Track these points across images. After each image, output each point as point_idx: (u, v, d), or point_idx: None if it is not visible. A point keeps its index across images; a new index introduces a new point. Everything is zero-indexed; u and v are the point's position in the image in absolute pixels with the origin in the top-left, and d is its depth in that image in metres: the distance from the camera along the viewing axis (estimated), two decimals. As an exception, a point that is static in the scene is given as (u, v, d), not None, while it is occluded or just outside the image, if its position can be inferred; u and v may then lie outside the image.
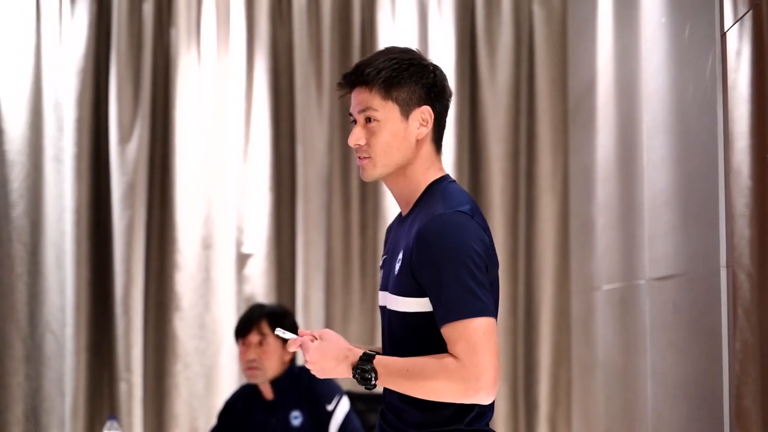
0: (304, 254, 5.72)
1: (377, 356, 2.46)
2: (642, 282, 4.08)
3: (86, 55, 5.76)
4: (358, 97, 2.55)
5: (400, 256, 2.51)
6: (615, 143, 4.65)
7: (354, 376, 2.46)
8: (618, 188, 4.58)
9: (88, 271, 5.71)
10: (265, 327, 4.42)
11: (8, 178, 5.73)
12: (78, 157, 5.72)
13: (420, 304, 2.47)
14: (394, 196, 2.64)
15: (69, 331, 5.66)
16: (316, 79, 5.85)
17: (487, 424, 2.57)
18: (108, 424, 4.26)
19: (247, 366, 4.42)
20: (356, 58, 5.85)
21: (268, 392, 4.46)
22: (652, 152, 3.94)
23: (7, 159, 5.74)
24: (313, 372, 2.50)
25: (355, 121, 2.58)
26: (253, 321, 4.45)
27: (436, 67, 2.60)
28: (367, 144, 2.54)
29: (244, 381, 4.72)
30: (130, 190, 5.72)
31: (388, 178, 2.59)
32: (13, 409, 5.66)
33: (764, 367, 2.79)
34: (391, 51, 2.61)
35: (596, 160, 5.02)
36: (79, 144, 5.72)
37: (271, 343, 4.40)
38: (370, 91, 2.53)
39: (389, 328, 2.57)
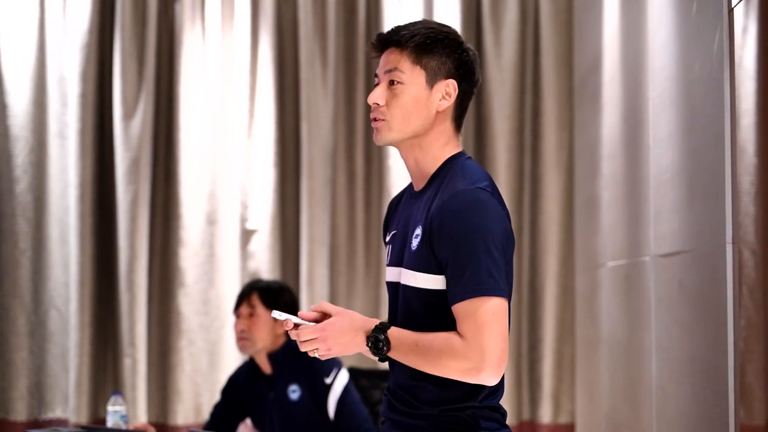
0: (309, 230, 5.71)
1: (392, 327, 2.46)
2: (647, 259, 4.08)
3: (90, 30, 5.74)
4: (388, 57, 2.56)
5: (419, 231, 2.51)
6: (621, 120, 4.64)
7: (367, 344, 2.46)
8: (623, 165, 4.56)
9: (92, 247, 5.71)
10: (254, 299, 4.49)
11: (12, 153, 5.73)
12: (82, 133, 5.71)
13: (438, 282, 2.46)
14: (408, 168, 2.62)
15: (73, 306, 5.66)
16: (321, 55, 5.83)
17: (499, 402, 2.56)
18: (112, 399, 4.26)
19: (238, 337, 4.49)
20: (361, 33, 5.84)
21: (266, 367, 4.49)
22: (658, 129, 3.92)
23: (11, 134, 5.73)
24: (325, 353, 2.47)
25: (378, 84, 2.58)
26: (245, 294, 4.53)
27: (470, 49, 2.60)
28: (386, 105, 2.53)
29: (246, 356, 4.74)
30: (134, 165, 5.71)
31: (403, 147, 2.58)
32: (17, 384, 5.68)
33: (769, 345, 2.79)
34: (430, 22, 2.61)
35: (602, 137, 5.00)
36: (83, 119, 5.71)
37: (261, 315, 4.45)
38: (401, 52, 2.53)
39: (406, 304, 2.55)
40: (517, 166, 5.83)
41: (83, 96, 5.72)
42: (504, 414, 2.56)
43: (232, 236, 5.77)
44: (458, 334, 2.39)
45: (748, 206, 2.94)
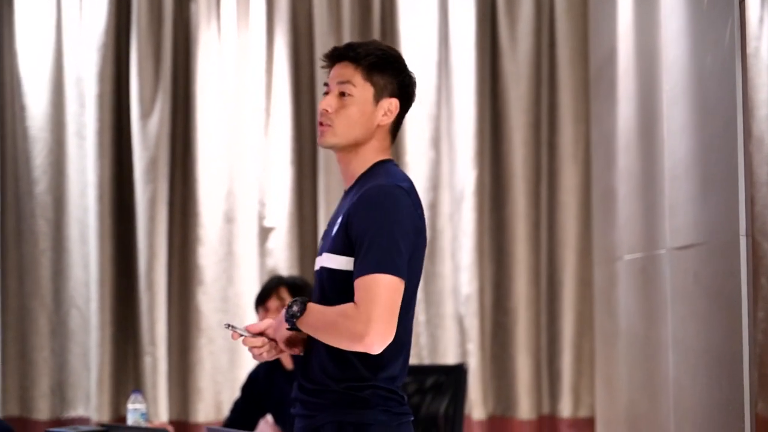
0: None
1: (309, 302, 2.72)
2: (663, 252, 4.07)
3: (107, 31, 5.77)
4: (341, 71, 2.78)
5: (340, 219, 2.73)
6: (635, 112, 4.63)
7: (285, 317, 2.72)
8: (639, 157, 4.56)
9: (112, 246, 5.74)
10: (284, 293, 4.50)
11: (31, 154, 5.77)
12: (100, 133, 5.74)
13: (349, 263, 2.68)
14: (341, 168, 2.85)
15: (93, 306, 5.69)
16: (337, 52, 5.82)
17: (397, 387, 2.76)
18: (132, 397, 4.29)
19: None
20: (376, 30, 5.84)
21: (288, 362, 4.50)
22: (672, 121, 3.92)
23: (30, 135, 5.77)
24: (279, 344, 2.79)
25: (327, 92, 2.80)
26: (273, 288, 4.52)
27: (412, 73, 2.85)
28: (335, 113, 2.75)
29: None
30: (152, 164, 5.73)
31: (341, 151, 2.81)
32: (39, 383, 5.72)
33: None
34: (381, 44, 2.84)
35: (617, 130, 5.00)
36: (100, 119, 5.74)
37: None
38: (356, 68, 2.76)
39: (320, 284, 2.77)
40: (534, 159, 5.82)
41: (101, 96, 5.74)
42: (403, 397, 2.76)
43: (250, 234, 5.79)
44: (353, 303, 2.62)
45: (766, 197, 2.94)
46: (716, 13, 3.33)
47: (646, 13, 4.40)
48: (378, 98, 2.76)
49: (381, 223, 2.63)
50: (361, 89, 2.75)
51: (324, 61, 2.83)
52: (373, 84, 2.76)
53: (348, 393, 2.70)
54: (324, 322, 2.66)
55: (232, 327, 2.79)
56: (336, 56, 2.80)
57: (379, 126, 2.78)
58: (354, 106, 2.75)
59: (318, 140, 2.82)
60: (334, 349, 2.68)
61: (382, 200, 2.66)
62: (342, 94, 2.76)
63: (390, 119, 2.79)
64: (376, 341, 2.59)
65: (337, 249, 2.70)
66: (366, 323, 2.58)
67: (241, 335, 2.81)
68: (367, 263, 2.61)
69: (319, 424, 2.73)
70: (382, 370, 2.71)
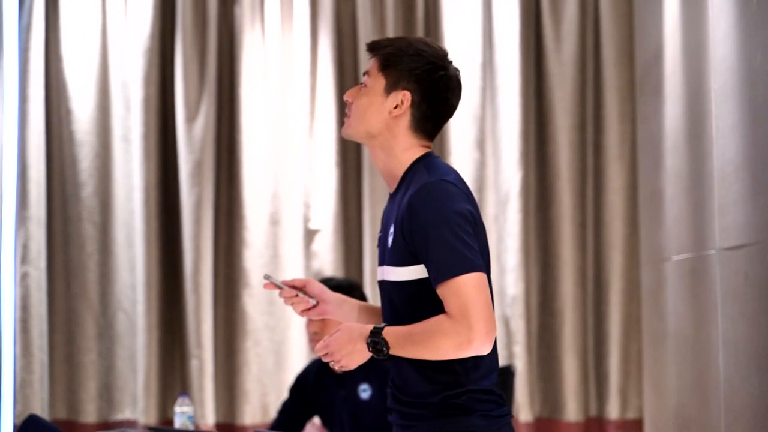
0: (371, 228, 5.72)
1: (386, 327, 2.59)
2: (712, 252, 4.04)
3: (152, 35, 5.79)
4: (370, 62, 2.77)
5: (392, 229, 2.66)
6: (683, 112, 4.59)
7: (369, 350, 2.58)
8: (687, 157, 4.52)
9: (158, 249, 5.76)
10: None
11: (77, 158, 5.80)
12: (146, 137, 5.76)
13: (415, 272, 2.61)
14: (379, 170, 2.79)
15: (140, 308, 5.72)
16: (381, 54, 5.82)
17: (492, 385, 2.67)
18: (179, 400, 4.30)
19: (311, 338, 4.47)
20: (420, 31, 5.83)
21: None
22: (721, 120, 3.88)
23: (76, 139, 5.81)
24: (342, 365, 2.61)
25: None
26: None
27: (448, 73, 2.72)
28: (353, 103, 2.75)
29: (314, 356, 4.75)
30: (197, 168, 5.75)
31: (369, 148, 2.77)
32: (87, 386, 5.75)
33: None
34: (419, 41, 2.75)
35: (664, 130, 4.96)
36: (146, 123, 5.77)
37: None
38: (375, 59, 2.74)
39: (389, 299, 2.70)
40: (579, 160, 5.79)
41: (146, 100, 5.77)
42: (500, 396, 2.68)
43: (296, 236, 5.79)
44: (446, 314, 2.52)
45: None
46: (765, 11, 3.29)
47: (693, 13, 4.36)
48: (389, 90, 2.70)
49: (438, 222, 2.54)
50: (374, 80, 2.72)
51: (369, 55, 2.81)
52: (386, 75, 2.70)
53: (446, 402, 2.62)
54: (420, 345, 2.54)
55: (269, 278, 2.73)
56: (368, 49, 2.79)
57: (394, 118, 2.70)
58: (365, 96, 2.72)
59: (342, 131, 2.81)
60: (424, 365, 2.61)
61: (432, 199, 2.57)
62: (363, 86, 2.75)
63: (401, 112, 2.69)
64: (485, 342, 2.50)
65: (397, 261, 2.63)
66: (468, 330, 2.48)
67: (279, 287, 2.75)
68: (442, 269, 2.53)
69: None
70: (474, 370, 2.63)
